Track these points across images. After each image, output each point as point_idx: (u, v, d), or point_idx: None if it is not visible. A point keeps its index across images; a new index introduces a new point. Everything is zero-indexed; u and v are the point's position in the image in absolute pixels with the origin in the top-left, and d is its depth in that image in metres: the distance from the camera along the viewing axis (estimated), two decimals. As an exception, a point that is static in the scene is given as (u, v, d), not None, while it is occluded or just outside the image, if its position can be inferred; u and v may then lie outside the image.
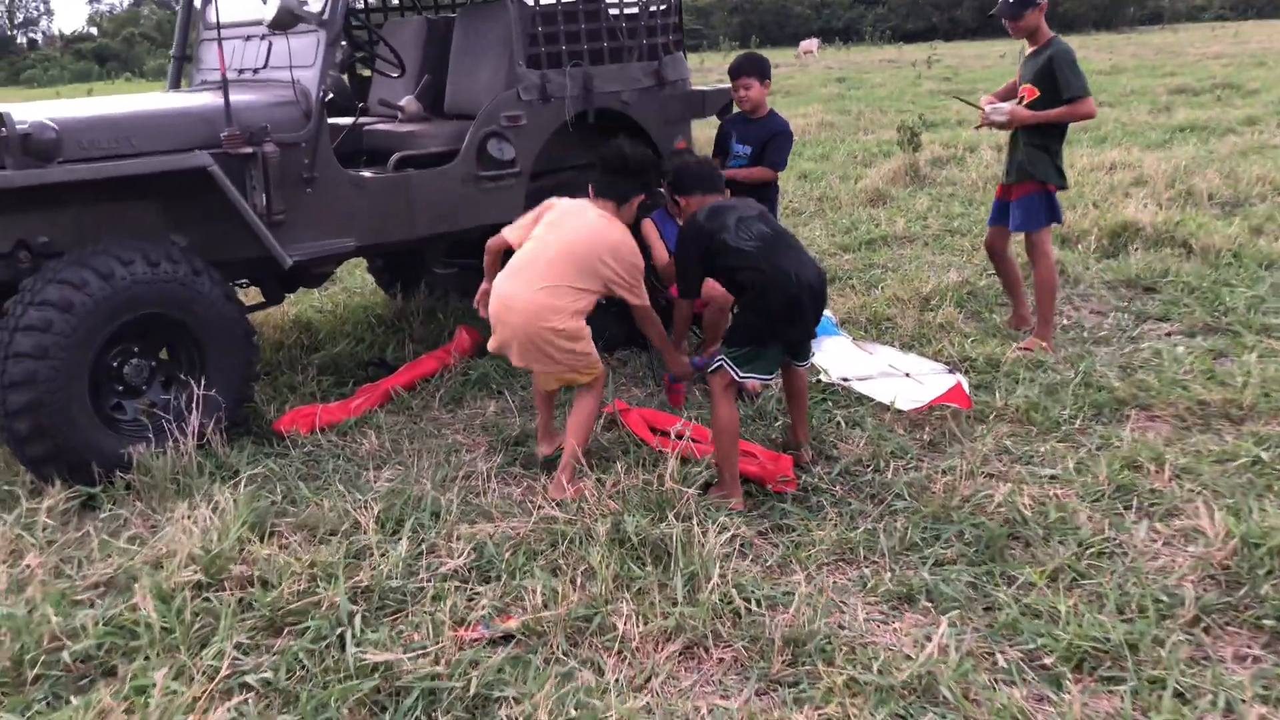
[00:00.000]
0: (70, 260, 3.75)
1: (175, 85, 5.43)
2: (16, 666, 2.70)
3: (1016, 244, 5.43)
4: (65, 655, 2.72)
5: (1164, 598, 2.90)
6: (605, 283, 3.71)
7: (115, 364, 3.93)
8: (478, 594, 3.02)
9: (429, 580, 3.08)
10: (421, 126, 5.13)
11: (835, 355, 4.93)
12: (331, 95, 4.55)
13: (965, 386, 4.41)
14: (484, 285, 3.99)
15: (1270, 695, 2.51)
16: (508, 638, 2.82)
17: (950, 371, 4.77)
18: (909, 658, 2.67)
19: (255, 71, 4.76)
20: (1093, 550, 3.17)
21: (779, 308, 3.54)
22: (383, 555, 3.22)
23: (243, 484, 3.63)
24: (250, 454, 4.09)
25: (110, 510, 3.60)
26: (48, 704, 2.62)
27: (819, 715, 2.49)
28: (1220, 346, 4.90)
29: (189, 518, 3.30)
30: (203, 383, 4.01)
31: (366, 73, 5.98)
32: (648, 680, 2.63)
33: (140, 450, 3.80)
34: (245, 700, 2.54)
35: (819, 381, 4.62)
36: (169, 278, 3.89)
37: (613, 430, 4.23)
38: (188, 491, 3.66)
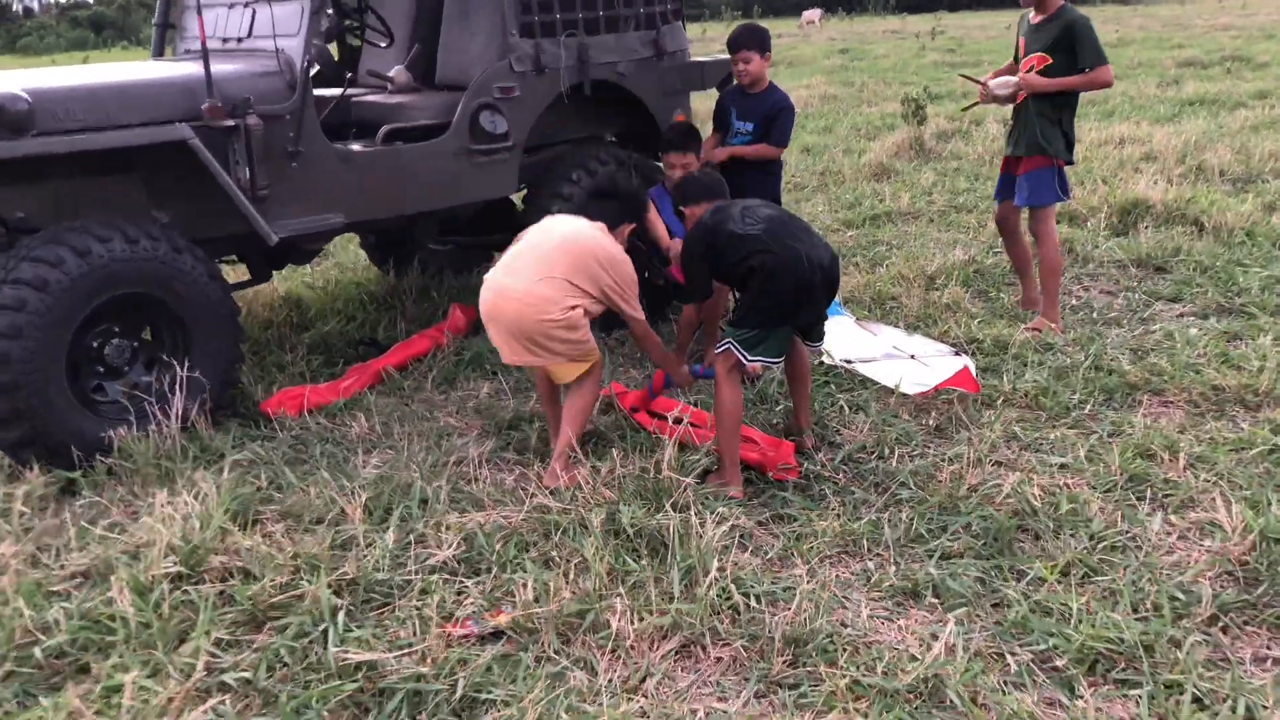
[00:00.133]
0: (45, 237, 3.62)
1: (159, 54, 5.27)
2: (-14, 663, 2.59)
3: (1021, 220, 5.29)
4: (37, 651, 2.61)
5: (1180, 595, 2.78)
6: (601, 288, 3.57)
7: (95, 345, 3.81)
8: (467, 587, 2.90)
9: (416, 573, 2.97)
10: (411, 98, 4.98)
11: (839, 336, 4.80)
12: (317, 66, 4.39)
13: (972, 370, 4.29)
14: None
15: (1293, 700, 2.40)
16: (497, 634, 2.71)
17: (956, 353, 4.64)
18: (914, 658, 2.56)
19: (239, 41, 4.60)
20: (1105, 544, 3.06)
21: (790, 289, 3.41)
22: (370, 545, 3.11)
23: (227, 469, 3.52)
24: (236, 437, 3.97)
25: (89, 497, 3.48)
26: (19, 703, 2.51)
27: (821, 720, 2.39)
28: (1234, 329, 4.77)
29: (170, 505, 3.18)
30: (186, 364, 3.88)
31: (357, 43, 5.81)
32: (642, 681, 2.52)
33: (122, 433, 3.69)
34: (223, 701, 2.44)
35: (821, 364, 4.50)
36: (149, 255, 3.75)
37: (609, 414, 4.11)
38: (170, 476, 3.55)
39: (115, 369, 3.87)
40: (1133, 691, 2.46)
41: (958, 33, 28.18)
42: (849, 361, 4.58)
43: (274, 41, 4.27)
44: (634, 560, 2.97)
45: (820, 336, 3.69)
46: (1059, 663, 2.55)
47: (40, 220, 3.85)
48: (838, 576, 3.00)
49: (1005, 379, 4.27)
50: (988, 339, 4.72)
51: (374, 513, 3.31)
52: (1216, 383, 4.11)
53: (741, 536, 3.18)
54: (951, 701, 2.41)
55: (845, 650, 2.60)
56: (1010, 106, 4.94)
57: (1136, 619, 2.69)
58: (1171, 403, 4.08)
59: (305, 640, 2.63)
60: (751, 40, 4.81)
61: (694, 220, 3.78)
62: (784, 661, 2.55)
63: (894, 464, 3.64)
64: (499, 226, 5.59)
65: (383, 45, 5.42)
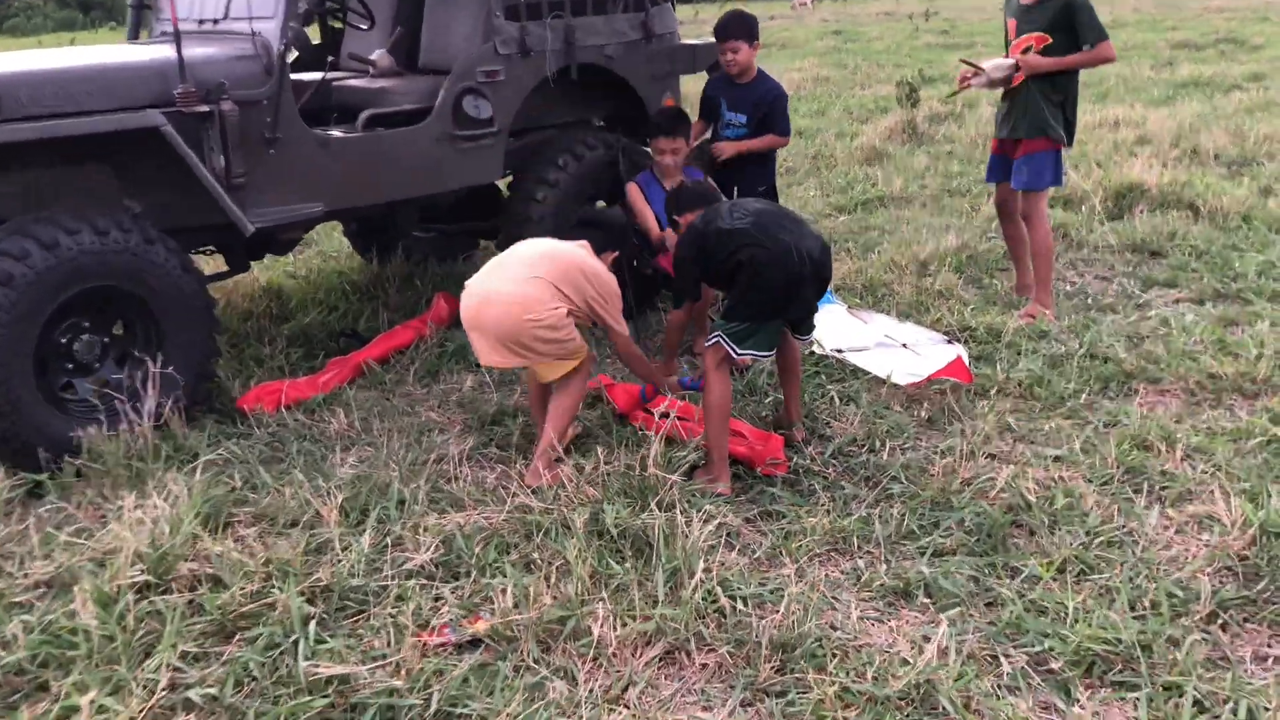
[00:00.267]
0: (10, 229, 3.50)
1: (134, 36, 5.13)
2: (-58, 679, 2.50)
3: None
4: (-5, 666, 2.52)
5: (1178, 592, 2.70)
6: (585, 299, 3.48)
7: (64, 340, 3.70)
8: (445, 594, 2.81)
9: (393, 578, 2.88)
10: (393, 82, 4.86)
11: (830, 324, 4.70)
12: (295, 50, 4.27)
13: (965, 359, 4.20)
14: None
15: (1297, 704, 2.32)
16: (475, 642, 2.62)
17: (949, 342, 4.56)
18: (906, 662, 2.48)
19: (215, 23, 4.46)
20: (1101, 539, 2.97)
21: (779, 282, 3.31)
22: (345, 549, 3.01)
23: (200, 470, 3.41)
24: (211, 435, 3.87)
25: (56, 501, 3.38)
26: (-23, 720, 2.42)
27: (809, 728, 2.31)
28: (1231, 315, 4.68)
29: (139, 508, 3.08)
30: (159, 359, 3.77)
31: (338, 25, 5.68)
32: (624, 690, 2.43)
33: (91, 433, 3.58)
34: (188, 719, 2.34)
35: (812, 353, 4.40)
36: (119, 247, 3.64)
37: (596, 407, 4.02)
38: (141, 478, 3.44)
39: (85, 366, 3.76)
40: (1131, 694, 2.38)
41: (951, 14, 27.97)
42: (840, 351, 4.49)
43: (250, 24, 4.15)
44: (617, 562, 2.88)
45: (810, 330, 3.60)
46: (1055, 665, 2.47)
47: (6, 211, 3.73)
48: (827, 576, 2.92)
49: (999, 368, 4.19)
50: (981, 327, 4.64)
51: (350, 514, 3.22)
52: (1213, 371, 4.03)
53: (729, 535, 3.10)
54: (944, 708, 2.33)
55: (834, 655, 2.51)
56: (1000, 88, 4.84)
57: (1134, 618, 2.61)
58: (1168, 391, 3.99)
59: (276, 652, 2.54)
60: (739, 29, 4.68)
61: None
62: (771, 668, 2.46)
63: (885, 457, 3.55)
64: (484, 213, 5.49)
65: (364, 28, 5.29)
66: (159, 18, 4.97)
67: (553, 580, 2.81)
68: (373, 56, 5.00)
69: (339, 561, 2.94)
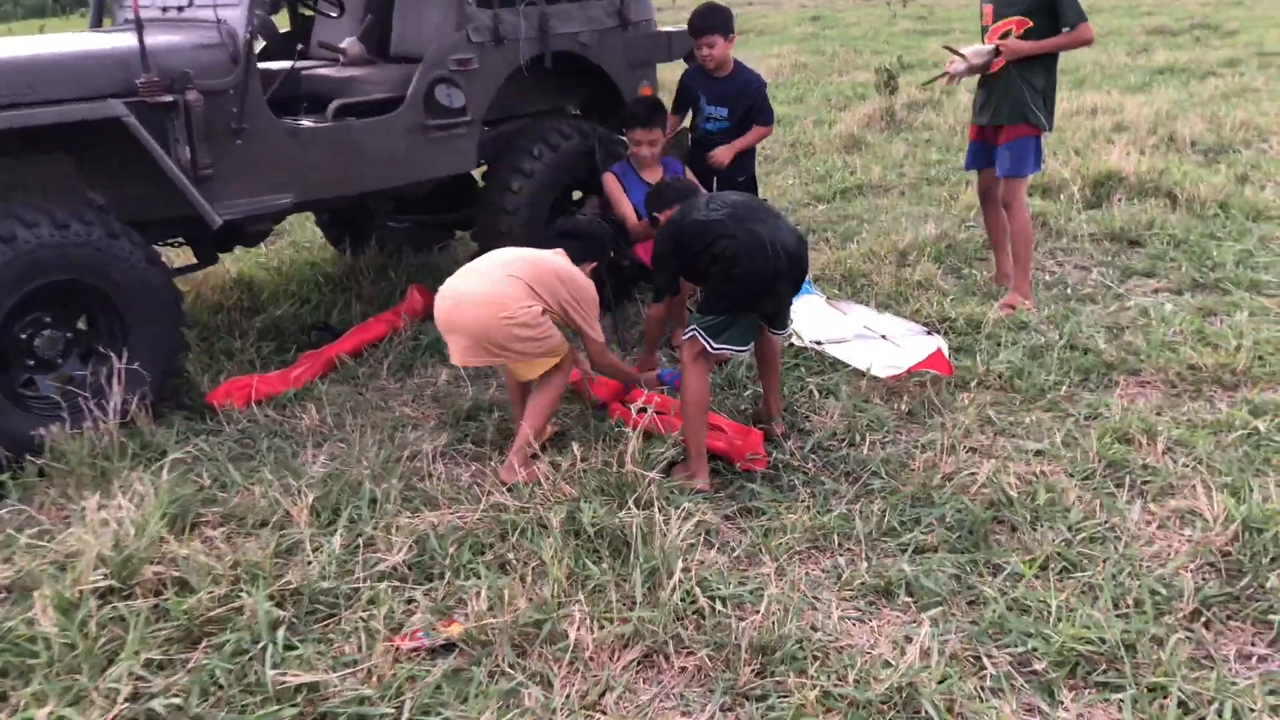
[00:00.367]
0: (-34, 223, 3.40)
1: (97, 24, 5.01)
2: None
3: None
4: (-48, 676, 2.44)
5: (1161, 589, 2.68)
6: (560, 303, 3.44)
7: (25, 336, 3.60)
8: (417, 597, 2.75)
9: (364, 580, 2.81)
10: (364, 71, 4.77)
11: (808, 316, 4.66)
12: (262, 38, 4.17)
13: (945, 350, 4.17)
14: None
15: (1280, 703, 2.30)
16: (448, 647, 2.56)
17: (928, 333, 4.52)
18: (888, 664, 2.44)
19: (180, 10, 4.35)
20: (1084, 535, 2.95)
21: (753, 274, 3.26)
22: (316, 550, 2.94)
23: (167, 468, 3.32)
24: (179, 432, 3.78)
25: (15, 503, 3.29)
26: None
27: (790, 733, 2.27)
28: (1209, 305, 4.67)
29: (103, 509, 3.00)
30: (125, 355, 3.68)
31: (308, 12, 5.57)
32: (601, 696, 2.38)
33: (54, 431, 3.48)
34: (151, 728, 2.28)
35: (791, 345, 4.36)
36: (80, 240, 3.54)
37: (574, 402, 3.95)
38: (107, 477, 3.36)
39: (47, 362, 3.66)
40: (1115, 695, 2.35)
41: (928, 0, 27.93)
42: (819, 343, 4.44)
43: (215, 11, 4.05)
44: (594, 563, 2.83)
45: (785, 325, 3.55)
46: (1038, 666, 2.44)
47: (-35, 204, 3.63)
48: (807, 574, 2.87)
49: (979, 360, 4.15)
50: (960, 318, 4.60)
51: (321, 514, 3.15)
52: (1193, 362, 4.01)
53: (707, 533, 3.05)
54: (927, 712, 2.29)
55: (815, 657, 2.47)
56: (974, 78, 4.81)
57: (1117, 616, 2.59)
58: (1148, 383, 3.97)
59: (244, 659, 2.47)
60: (714, 23, 4.60)
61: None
62: (751, 671, 2.42)
63: (865, 451, 3.51)
64: (458, 204, 5.41)
65: (334, 15, 5.19)
66: (122, 4, 4.85)
67: (528, 581, 2.76)
68: (343, 44, 4.91)
69: (309, 563, 2.88)
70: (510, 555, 2.90)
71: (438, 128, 4.51)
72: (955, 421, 3.66)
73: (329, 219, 5.99)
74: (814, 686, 2.35)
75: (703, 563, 2.85)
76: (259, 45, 4.97)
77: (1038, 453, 3.43)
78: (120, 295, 3.69)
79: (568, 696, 2.37)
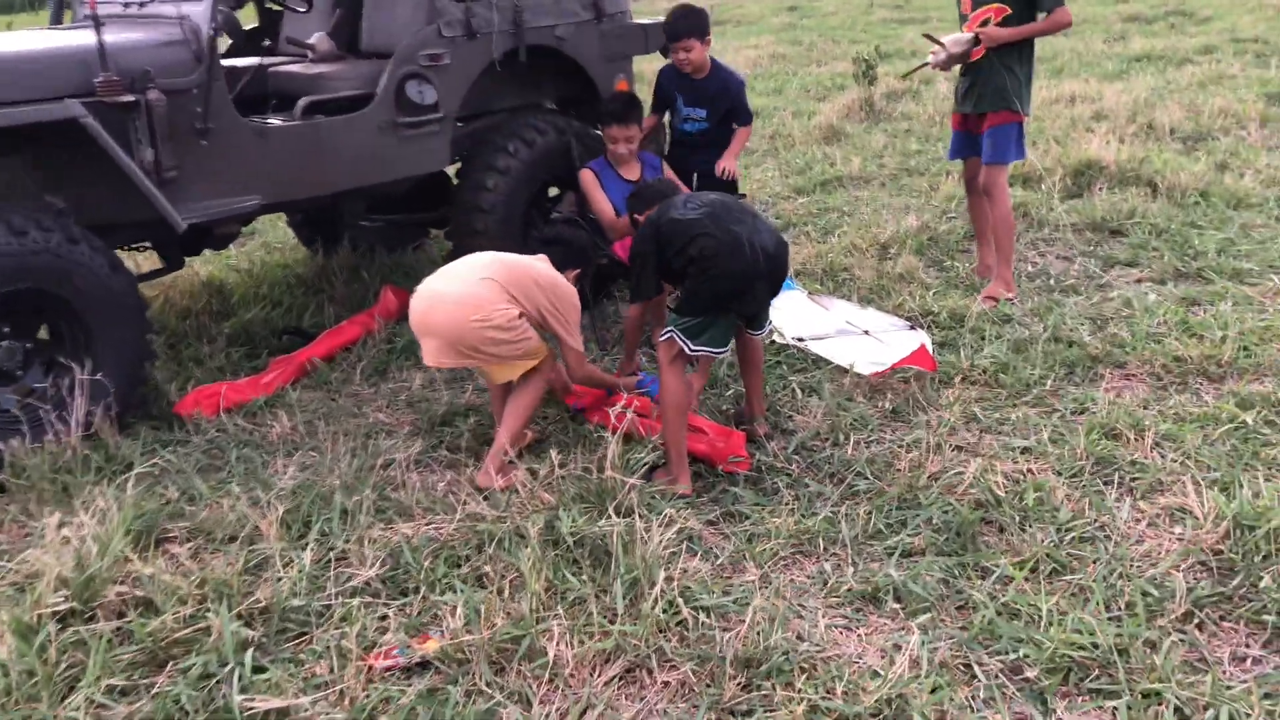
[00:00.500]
0: (-83, 231, 3.28)
1: (56, 21, 4.88)
2: None
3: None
4: (-94, 706, 2.34)
5: (1153, 591, 2.62)
6: (539, 308, 3.36)
7: (-18, 348, 3.49)
8: (391, 613, 2.66)
9: (336, 596, 2.73)
10: (333, 67, 4.65)
11: (790, 312, 4.60)
12: (227, 35, 4.06)
13: (929, 346, 4.10)
14: None
15: (1279, 707, 2.24)
16: (424, 665, 2.47)
17: (911, 328, 4.46)
18: (876, 674, 2.38)
19: (141, 6, 4.23)
20: (1073, 535, 2.89)
21: (731, 273, 3.18)
22: (286, 565, 2.85)
23: (132, 482, 3.22)
24: (146, 443, 3.68)
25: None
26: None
27: (777, 749, 2.20)
28: (1192, 294, 4.63)
29: (64, 527, 2.89)
30: (88, 365, 3.57)
31: (276, 7, 5.45)
32: (583, 714, 2.30)
33: (14, 446, 3.37)
34: (113, 759, 2.19)
35: (773, 343, 4.29)
36: (39, 248, 3.43)
37: (553, 406, 3.87)
38: (70, 492, 3.26)
39: (6, 374, 3.55)
40: (1109, 702, 2.29)
41: (904, -12, 27.89)
42: (801, 339, 4.38)
43: (177, 8, 3.93)
44: (574, 574, 2.75)
45: (762, 325, 3.47)
46: (1030, 673, 2.38)
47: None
48: (793, 581, 2.81)
49: (963, 354, 4.10)
50: (943, 311, 4.55)
51: (292, 527, 3.06)
52: (1178, 354, 3.96)
53: (690, 540, 2.97)
54: (917, 724, 2.23)
55: (802, 669, 2.40)
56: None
57: (1109, 619, 2.53)
58: (1134, 376, 3.92)
59: (210, 682, 2.38)
60: (691, 27, 4.48)
61: None
62: (737, 685, 2.35)
63: (850, 452, 3.45)
64: (432, 202, 5.31)
65: (302, 10, 5.09)
66: (82, 1, 4.72)
67: (506, 595, 2.68)
68: (311, 40, 4.79)
69: (279, 579, 2.79)
70: (487, 568, 2.82)
71: (409, 125, 4.41)
72: (940, 419, 3.60)
73: (301, 219, 5.87)
74: (801, 700, 2.28)
75: (685, 571, 2.77)
76: (225, 43, 4.86)
77: (1025, 450, 3.38)
78: (82, 303, 3.58)
79: (547, 715, 2.29)
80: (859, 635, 2.57)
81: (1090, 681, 2.35)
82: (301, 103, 4.31)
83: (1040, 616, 2.54)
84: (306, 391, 4.16)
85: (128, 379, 3.74)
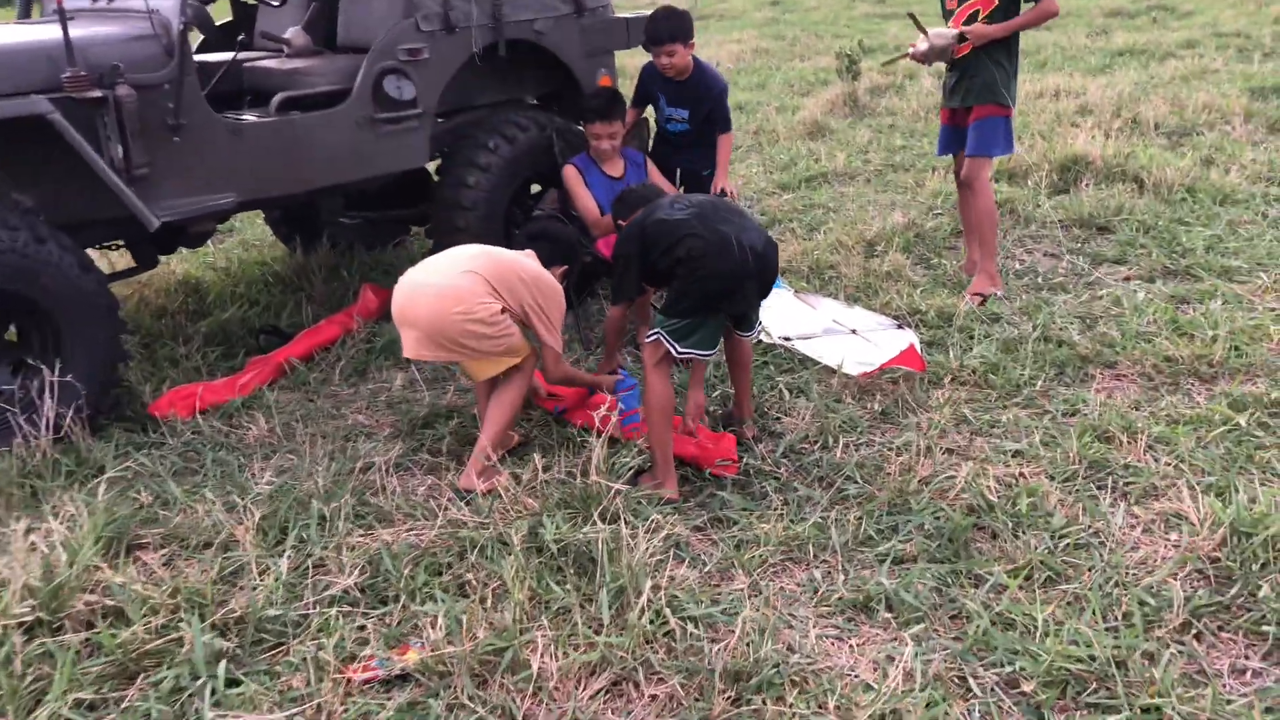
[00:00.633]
0: (-121, 231, 3.18)
1: (25, 15, 4.76)
2: None
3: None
4: None
5: (1149, 600, 2.57)
6: (522, 304, 3.29)
7: (-53, 350, 3.39)
8: (368, 624, 2.58)
9: (314, 605, 2.65)
10: (309, 62, 4.56)
11: (777, 310, 4.53)
12: (198, 29, 3.95)
13: (917, 346, 4.05)
14: None
15: (1278, 721, 2.20)
16: (403, 677, 2.40)
17: (899, 327, 4.41)
18: (870, 688, 2.32)
19: (109, 0, 4.12)
20: (1067, 542, 2.84)
21: (720, 273, 3.10)
22: (262, 573, 2.77)
23: (103, 487, 3.13)
24: (119, 445, 3.59)
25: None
26: None
27: (768, 766, 2.14)
28: (1182, 292, 4.59)
29: (32, 533, 2.80)
30: (58, 367, 3.47)
31: (252, 1, 5.33)
32: (568, 730, 2.24)
33: (-19, 450, 3.28)
34: (80, 780, 2.11)
35: (759, 342, 4.22)
36: (4, 247, 3.33)
37: (535, 406, 3.80)
38: (39, 497, 3.16)
39: (-28, 377, 3.45)
40: (1108, 717, 2.24)
41: (887, -17, 27.87)
42: (788, 339, 4.31)
43: (146, 1, 3.82)
44: (558, 583, 2.67)
45: (751, 326, 3.41)
46: (1027, 687, 2.32)
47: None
48: (782, 589, 2.74)
49: (951, 354, 4.04)
50: (931, 310, 4.49)
51: (269, 533, 2.97)
52: (1169, 354, 3.92)
53: (677, 546, 2.91)
54: (912, 740, 2.17)
55: (794, 682, 2.34)
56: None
57: (1106, 629, 2.48)
58: (1124, 376, 3.88)
59: (182, 696, 2.30)
60: (675, 31, 4.39)
61: None
62: (726, 699, 2.28)
63: (839, 455, 3.39)
64: (412, 199, 5.22)
65: (276, 4, 4.97)
66: (51, -7, 4.60)
67: (488, 604, 2.60)
68: (286, 35, 4.69)
69: (255, 588, 2.70)
70: (469, 576, 2.74)
71: (387, 121, 4.31)
72: (930, 421, 3.55)
73: (279, 216, 5.77)
74: (793, 716, 2.22)
75: (673, 579, 2.71)
76: (198, 38, 4.75)
77: (1016, 454, 3.33)
78: (50, 303, 3.48)
79: (531, 732, 2.23)
80: (851, 646, 2.51)
81: (1088, 695, 2.29)
82: (277, 98, 4.21)
83: (1036, 627, 2.49)
84: (284, 392, 4.07)
85: (100, 380, 3.65)
